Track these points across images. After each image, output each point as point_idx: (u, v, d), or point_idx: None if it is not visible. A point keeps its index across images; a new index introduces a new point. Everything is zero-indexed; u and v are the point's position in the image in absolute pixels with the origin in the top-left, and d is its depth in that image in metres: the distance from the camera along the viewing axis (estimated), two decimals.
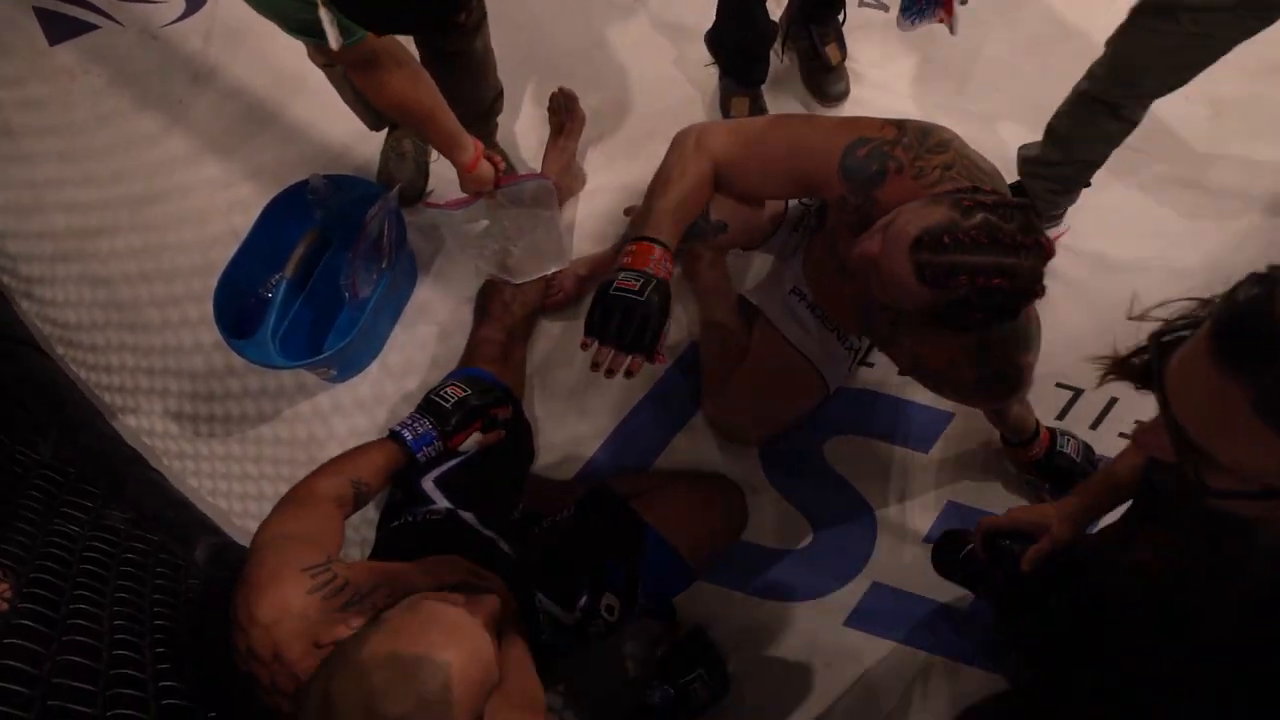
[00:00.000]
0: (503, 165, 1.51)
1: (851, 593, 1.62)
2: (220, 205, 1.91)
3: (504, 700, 0.92)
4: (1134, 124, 1.47)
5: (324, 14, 0.97)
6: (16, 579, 1.04)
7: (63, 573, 1.12)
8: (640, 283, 1.14)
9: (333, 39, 0.99)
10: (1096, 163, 1.57)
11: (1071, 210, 1.70)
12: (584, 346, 1.15)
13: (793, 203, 1.48)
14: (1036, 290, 0.99)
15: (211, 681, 1.07)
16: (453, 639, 0.81)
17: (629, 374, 1.15)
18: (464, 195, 1.54)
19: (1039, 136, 1.62)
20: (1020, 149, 1.67)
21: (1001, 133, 1.81)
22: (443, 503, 1.28)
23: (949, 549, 1.50)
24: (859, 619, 1.61)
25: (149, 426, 1.81)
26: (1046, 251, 0.99)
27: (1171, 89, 1.37)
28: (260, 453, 1.76)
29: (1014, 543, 1.22)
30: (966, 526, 1.53)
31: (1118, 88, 1.40)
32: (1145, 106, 1.44)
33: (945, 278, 0.97)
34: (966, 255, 0.96)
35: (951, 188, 1.06)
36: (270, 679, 0.92)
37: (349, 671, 0.79)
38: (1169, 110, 1.61)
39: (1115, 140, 1.51)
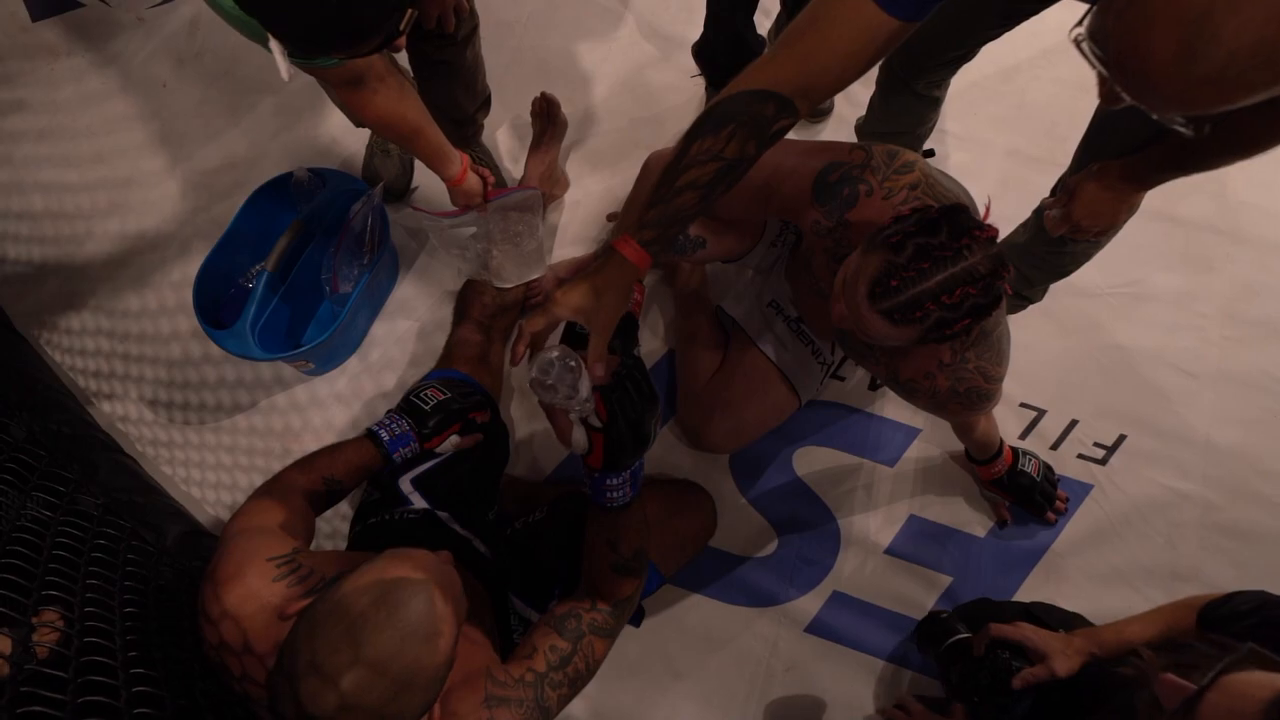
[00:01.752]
0: (492, 180, 1.51)
1: (813, 600, 1.66)
2: (202, 193, 1.91)
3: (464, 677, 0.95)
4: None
5: (274, 45, 0.95)
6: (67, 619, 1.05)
7: (33, 558, 1.13)
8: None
9: (283, 70, 0.97)
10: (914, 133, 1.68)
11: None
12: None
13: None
14: (1002, 273, 1.01)
15: (181, 669, 1.08)
16: (422, 565, 0.85)
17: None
18: (453, 208, 1.55)
19: (1027, 160, 1.67)
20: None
21: (989, 153, 1.87)
22: (420, 503, 1.30)
23: (936, 634, 1.51)
24: (819, 626, 1.66)
25: (123, 413, 1.80)
26: (987, 236, 1.00)
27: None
28: (235, 443, 1.76)
29: (1013, 657, 1.25)
30: (951, 612, 1.58)
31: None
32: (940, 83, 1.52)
33: (914, 312, 1.00)
34: (919, 285, 0.99)
35: (918, 206, 1.10)
36: (242, 669, 0.93)
37: (329, 611, 0.81)
38: None
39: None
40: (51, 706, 0.88)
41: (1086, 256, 1.48)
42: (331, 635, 0.79)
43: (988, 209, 1.08)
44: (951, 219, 1.01)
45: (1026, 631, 1.25)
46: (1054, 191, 1.39)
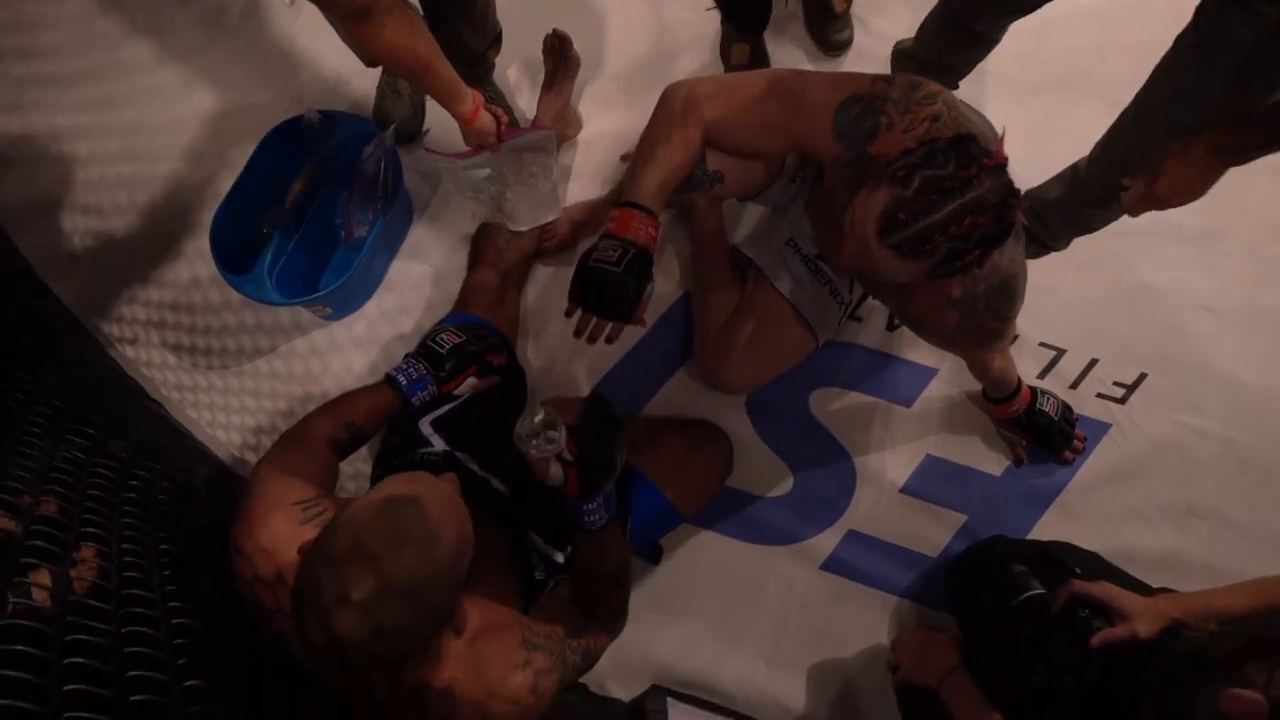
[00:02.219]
0: (505, 119, 1.49)
1: (829, 539, 1.69)
2: (214, 138, 1.90)
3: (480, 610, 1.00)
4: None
5: None
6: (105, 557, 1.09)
7: (71, 498, 1.16)
8: (619, 253, 1.18)
9: None
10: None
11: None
12: (568, 314, 1.22)
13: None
14: (1012, 202, 1.00)
15: (216, 604, 1.12)
16: (417, 482, 0.89)
17: (609, 340, 1.22)
18: (466, 148, 1.53)
19: (1037, 87, 1.63)
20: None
21: (1001, 83, 1.82)
22: (440, 444, 1.32)
23: (1004, 587, 1.48)
24: (835, 564, 1.68)
25: (147, 358, 1.83)
26: (995, 164, 0.99)
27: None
28: (258, 386, 1.79)
29: (1093, 616, 1.22)
30: (1024, 569, 1.53)
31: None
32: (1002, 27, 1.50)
33: (923, 245, 0.99)
34: (928, 218, 0.98)
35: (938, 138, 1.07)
36: (276, 602, 0.97)
37: (337, 531, 0.85)
38: None
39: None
40: (97, 636, 0.91)
41: (1117, 216, 1.45)
42: (341, 563, 0.82)
43: (1002, 139, 1.06)
44: (959, 149, 0.99)
45: (1110, 590, 1.21)
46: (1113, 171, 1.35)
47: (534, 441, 0.95)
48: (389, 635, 0.81)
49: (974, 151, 0.99)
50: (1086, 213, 1.55)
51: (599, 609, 1.14)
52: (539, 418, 0.95)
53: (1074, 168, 1.55)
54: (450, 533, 0.85)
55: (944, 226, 0.98)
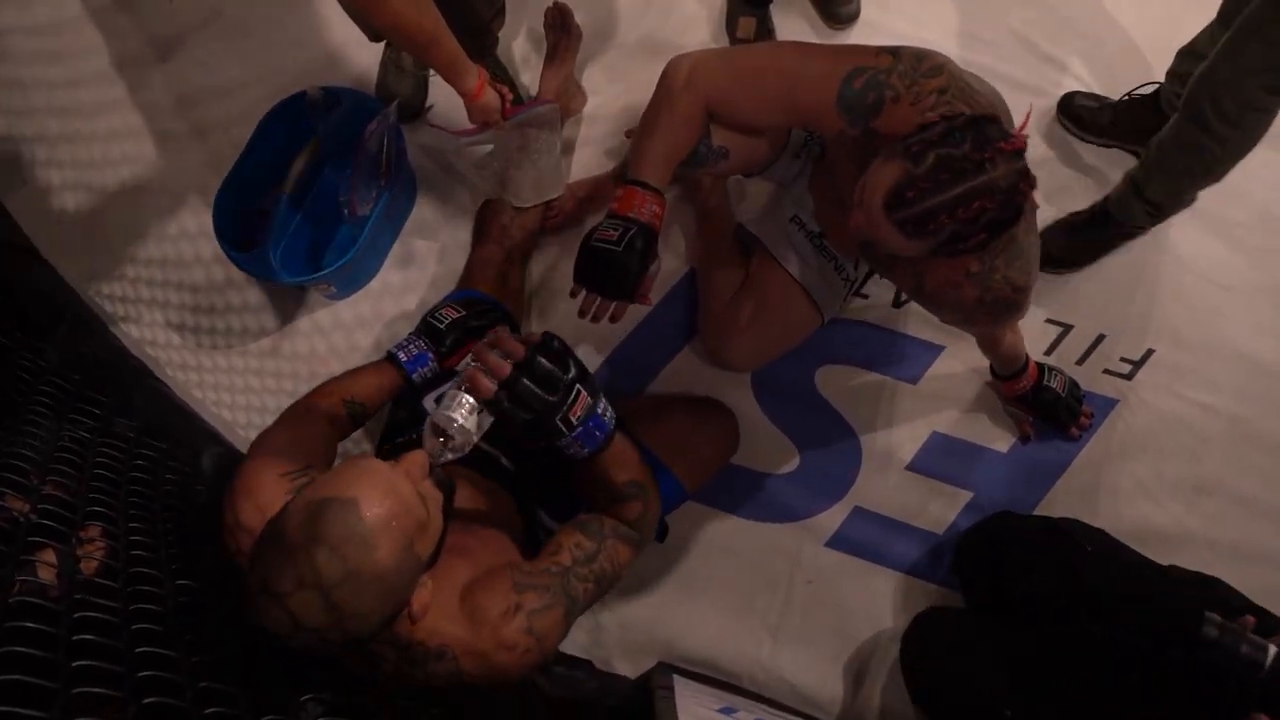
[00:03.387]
0: (510, 96, 1.47)
1: (835, 515, 1.69)
2: (216, 114, 1.88)
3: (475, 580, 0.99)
4: None
5: None
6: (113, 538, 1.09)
7: (77, 476, 1.16)
8: (620, 232, 1.18)
9: None
10: None
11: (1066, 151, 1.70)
12: (573, 294, 1.22)
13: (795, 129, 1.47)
14: (1023, 188, 0.99)
15: (221, 581, 1.12)
16: (355, 478, 0.85)
17: (613, 319, 1.22)
18: (470, 126, 1.51)
19: (1060, 65, 1.59)
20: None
21: (1019, 59, 1.79)
22: None
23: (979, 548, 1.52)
24: (840, 541, 1.69)
25: (151, 337, 1.83)
26: (1013, 149, 0.98)
27: None
28: (262, 366, 1.79)
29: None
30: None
31: None
32: None
33: (927, 224, 0.99)
34: (935, 198, 0.97)
35: (946, 112, 1.06)
36: None
37: (279, 517, 0.85)
38: None
39: None
40: (105, 614, 0.92)
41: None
42: (272, 559, 0.82)
43: (1027, 118, 1.04)
44: (977, 129, 0.98)
45: None
46: None
47: (439, 457, 0.94)
48: (320, 635, 0.81)
49: (992, 134, 0.97)
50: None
51: (613, 524, 1.09)
52: (432, 443, 0.93)
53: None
54: (388, 535, 0.83)
55: (951, 208, 0.97)
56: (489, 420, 0.96)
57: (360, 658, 0.96)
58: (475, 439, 0.95)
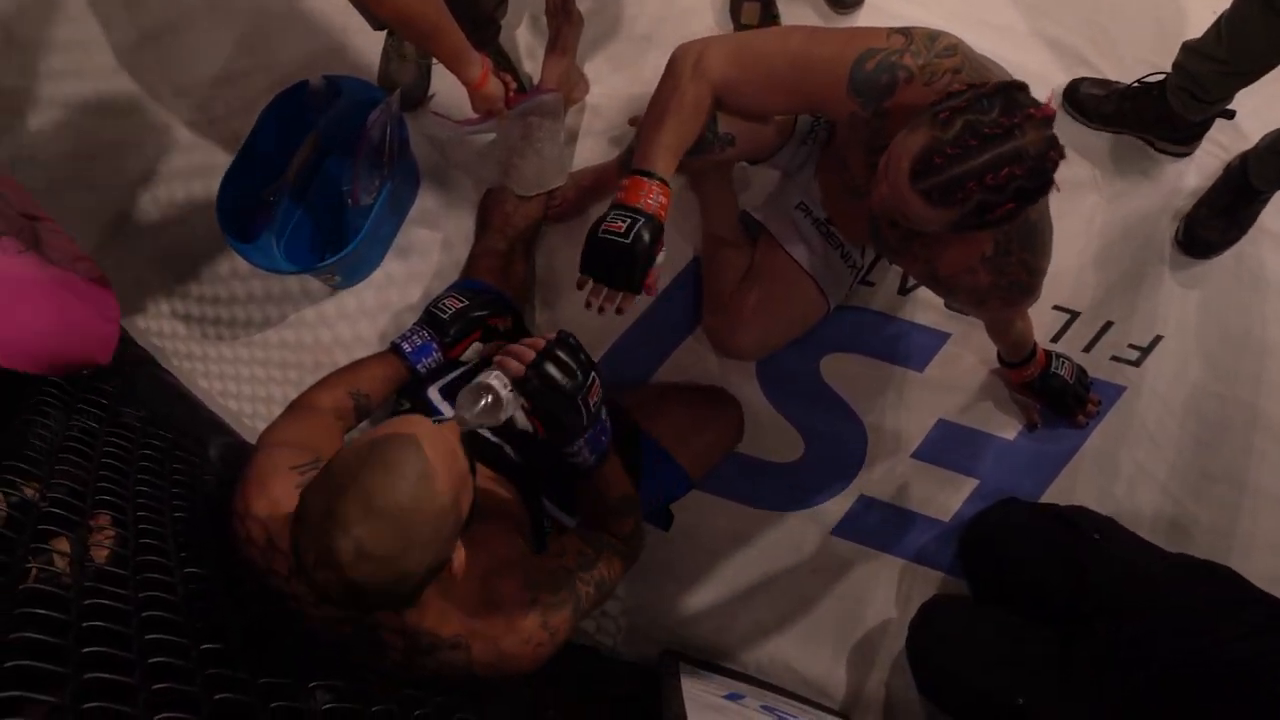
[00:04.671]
0: (514, 85, 1.46)
1: (840, 504, 1.69)
2: (218, 105, 1.88)
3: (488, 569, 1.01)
4: None
5: None
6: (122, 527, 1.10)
7: (85, 465, 1.17)
8: (627, 223, 1.17)
9: None
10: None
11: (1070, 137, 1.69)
12: (580, 286, 1.22)
13: (802, 115, 1.46)
14: (1052, 156, 0.97)
15: (230, 570, 1.13)
16: (411, 424, 0.88)
17: (619, 311, 1.22)
18: (473, 115, 1.50)
19: (1068, 52, 1.58)
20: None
21: (1027, 44, 1.78)
22: (449, 411, 1.32)
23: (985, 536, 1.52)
24: (846, 529, 1.69)
25: (157, 328, 1.83)
26: (1042, 116, 0.96)
27: None
28: (268, 356, 1.79)
29: None
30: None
31: None
32: None
33: (955, 193, 0.97)
34: (963, 165, 0.95)
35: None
36: (266, 563, 0.98)
37: (333, 464, 0.85)
38: None
39: None
40: (116, 601, 0.92)
41: None
42: (335, 491, 0.83)
43: (1050, 100, 1.03)
44: (1006, 95, 0.96)
45: None
46: None
47: (476, 416, 0.96)
48: (379, 568, 0.81)
49: (1021, 100, 0.96)
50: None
51: (609, 539, 1.15)
52: (470, 405, 0.96)
53: None
54: (445, 474, 0.85)
55: (979, 175, 0.95)
56: (517, 403, 1.00)
57: (369, 646, 0.97)
58: (507, 413, 0.99)
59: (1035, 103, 0.96)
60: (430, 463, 0.84)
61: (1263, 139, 1.56)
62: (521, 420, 1.04)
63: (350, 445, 0.87)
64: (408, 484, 0.82)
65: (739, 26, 1.80)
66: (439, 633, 0.95)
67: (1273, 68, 1.37)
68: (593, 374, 1.03)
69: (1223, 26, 1.37)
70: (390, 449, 0.84)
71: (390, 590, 0.84)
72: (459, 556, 0.90)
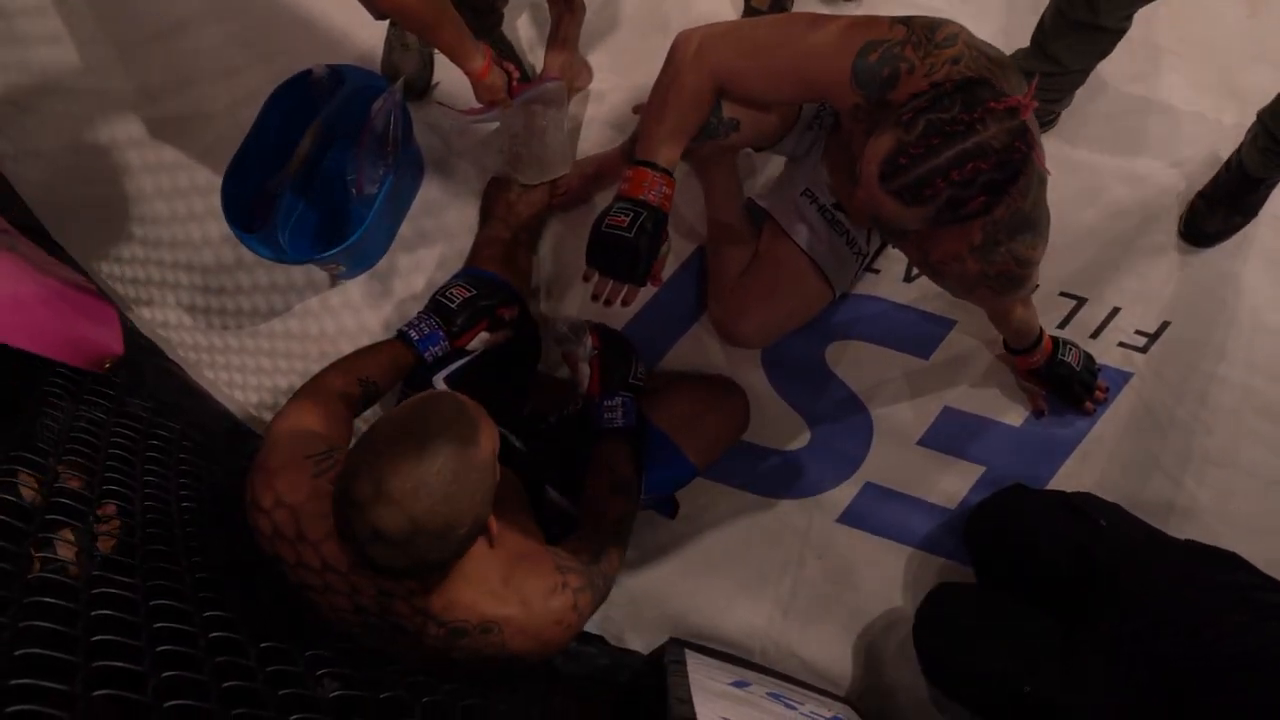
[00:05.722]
0: (517, 74, 1.46)
1: (845, 491, 1.69)
2: (222, 94, 1.87)
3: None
4: (1122, 34, 1.39)
5: None
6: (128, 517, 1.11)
7: (93, 456, 1.17)
8: (630, 217, 1.18)
9: None
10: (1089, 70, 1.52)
11: (1077, 118, 1.67)
12: (586, 278, 1.24)
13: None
14: (1018, 147, 0.98)
15: (238, 560, 1.14)
16: (447, 393, 0.97)
17: (625, 303, 1.25)
18: (477, 105, 1.50)
19: None
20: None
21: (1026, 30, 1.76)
22: None
23: (991, 522, 1.53)
24: (851, 516, 1.69)
25: (163, 319, 1.83)
26: (1005, 108, 0.97)
27: None
28: (273, 346, 1.80)
29: None
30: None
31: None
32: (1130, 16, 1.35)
33: (923, 191, 0.98)
34: (927, 163, 0.97)
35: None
36: (296, 556, 0.98)
37: (379, 424, 0.91)
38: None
39: (1107, 50, 1.44)
40: (124, 590, 0.93)
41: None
42: (391, 436, 0.87)
43: (1034, 86, 1.02)
44: (966, 92, 0.97)
45: None
46: None
47: (565, 337, 1.14)
48: (435, 504, 0.85)
49: (981, 95, 0.97)
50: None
51: (607, 524, 1.19)
52: (567, 325, 1.19)
53: None
54: (488, 428, 0.91)
55: (945, 171, 0.97)
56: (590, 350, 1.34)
57: (387, 635, 0.98)
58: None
59: (997, 95, 0.97)
60: (473, 415, 0.91)
61: (1248, 130, 1.56)
62: (584, 371, 1.26)
63: (405, 403, 0.93)
64: (458, 426, 0.89)
65: (748, 10, 1.78)
66: (474, 620, 0.97)
67: None
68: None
69: None
70: (440, 401, 0.91)
71: (441, 536, 0.86)
72: (493, 524, 0.94)
